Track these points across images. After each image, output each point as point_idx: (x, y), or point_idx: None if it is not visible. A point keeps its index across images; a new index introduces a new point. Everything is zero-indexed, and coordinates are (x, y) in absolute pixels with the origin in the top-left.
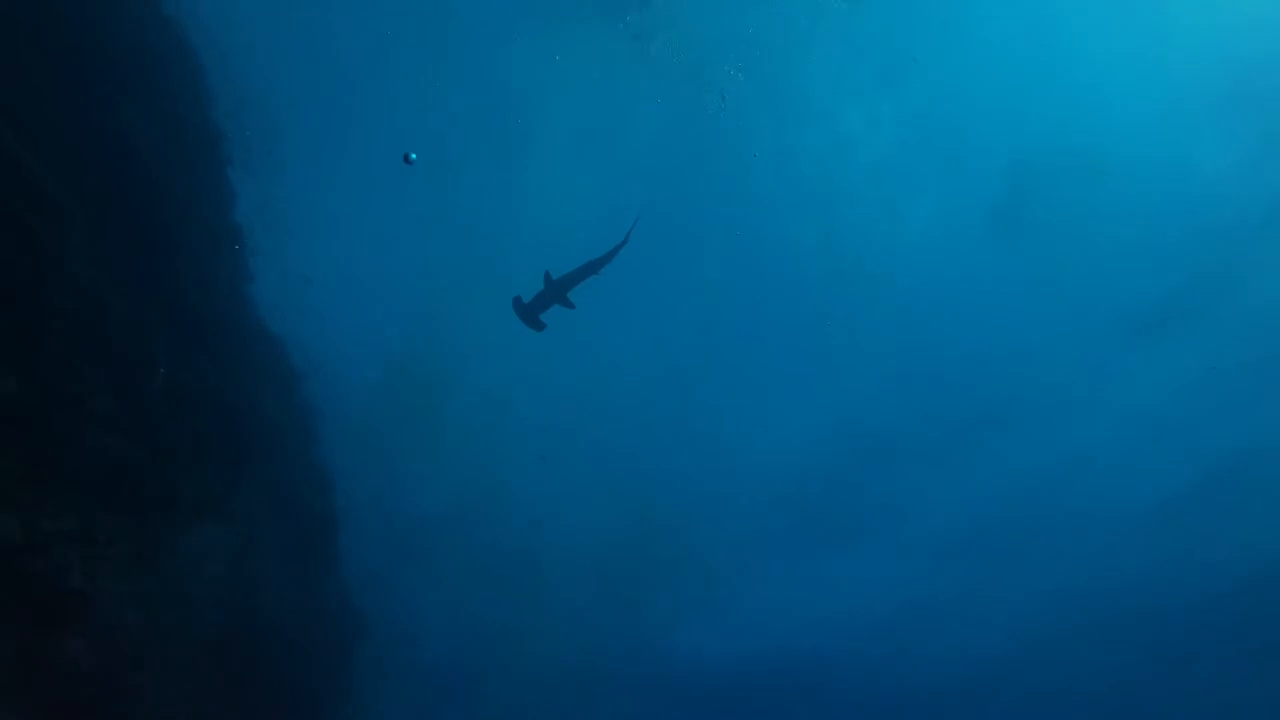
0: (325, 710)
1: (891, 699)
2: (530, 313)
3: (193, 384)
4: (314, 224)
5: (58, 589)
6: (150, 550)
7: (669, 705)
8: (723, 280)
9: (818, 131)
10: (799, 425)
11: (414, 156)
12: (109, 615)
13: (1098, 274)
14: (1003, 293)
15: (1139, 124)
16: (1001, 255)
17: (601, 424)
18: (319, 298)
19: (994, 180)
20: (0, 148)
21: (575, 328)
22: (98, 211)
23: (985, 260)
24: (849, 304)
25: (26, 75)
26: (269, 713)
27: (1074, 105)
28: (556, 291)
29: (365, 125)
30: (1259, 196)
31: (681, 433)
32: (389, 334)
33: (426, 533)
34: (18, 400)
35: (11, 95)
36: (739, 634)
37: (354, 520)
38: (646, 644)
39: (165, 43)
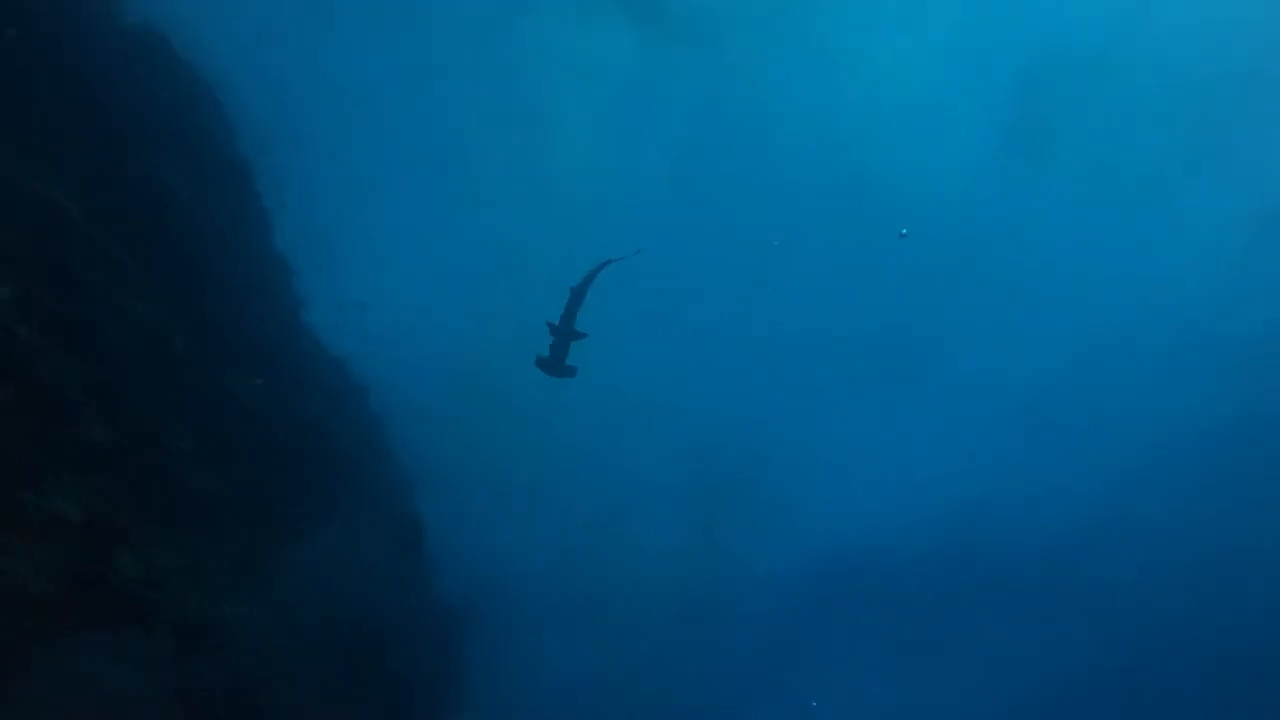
0: (447, 706)
1: (980, 580)
2: (555, 365)
3: (264, 409)
4: (349, 237)
5: (182, 619)
6: (258, 572)
7: (757, 622)
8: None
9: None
10: (851, 323)
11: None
12: (230, 638)
13: (1117, 142)
14: (1035, 193)
15: None
16: (1031, 152)
17: (666, 371)
18: (373, 311)
19: (1010, 91)
20: (61, 214)
21: (626, 293)
22: (149, 259)
23: (1015, 156)
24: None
25: (71, 140)
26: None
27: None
28: (565, 333)
29: (389, 140)
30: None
31: (740, 361)
32: (443, 334)
33: (512, 512)
34: (113, 448)
35: (64, 163)
36: (817, 539)
37: (439, 515)
38: (731, 568)
39: (182, 84)
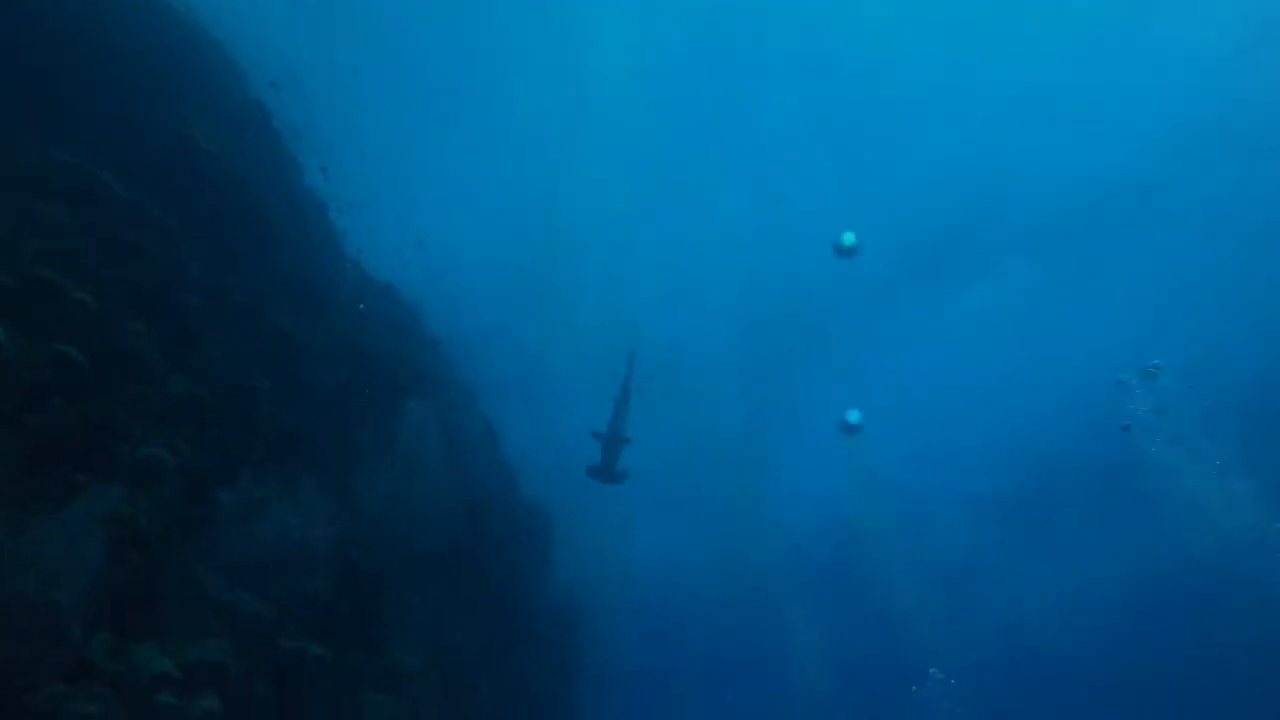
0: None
1: None
2: (607, 473)
3: (329, 343)
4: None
5: (284, 543)
6: (349, 494)
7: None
8: None
9: None
10: None
11: None
12: (334, 559)
13: None
14: None
15: None
16: None
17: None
18: (430, 246)
19: None
20: (96, 181)
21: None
22: (189, 215)
23: None
24: None
25: (83, 106)
26: (500, 610)
27: None
28: (613, 440)
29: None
30: None
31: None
32: (493, 238)
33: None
34: (194, 398)
35: (82, 130)
36: None
37: (509, 421)
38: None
39: (179, 31)
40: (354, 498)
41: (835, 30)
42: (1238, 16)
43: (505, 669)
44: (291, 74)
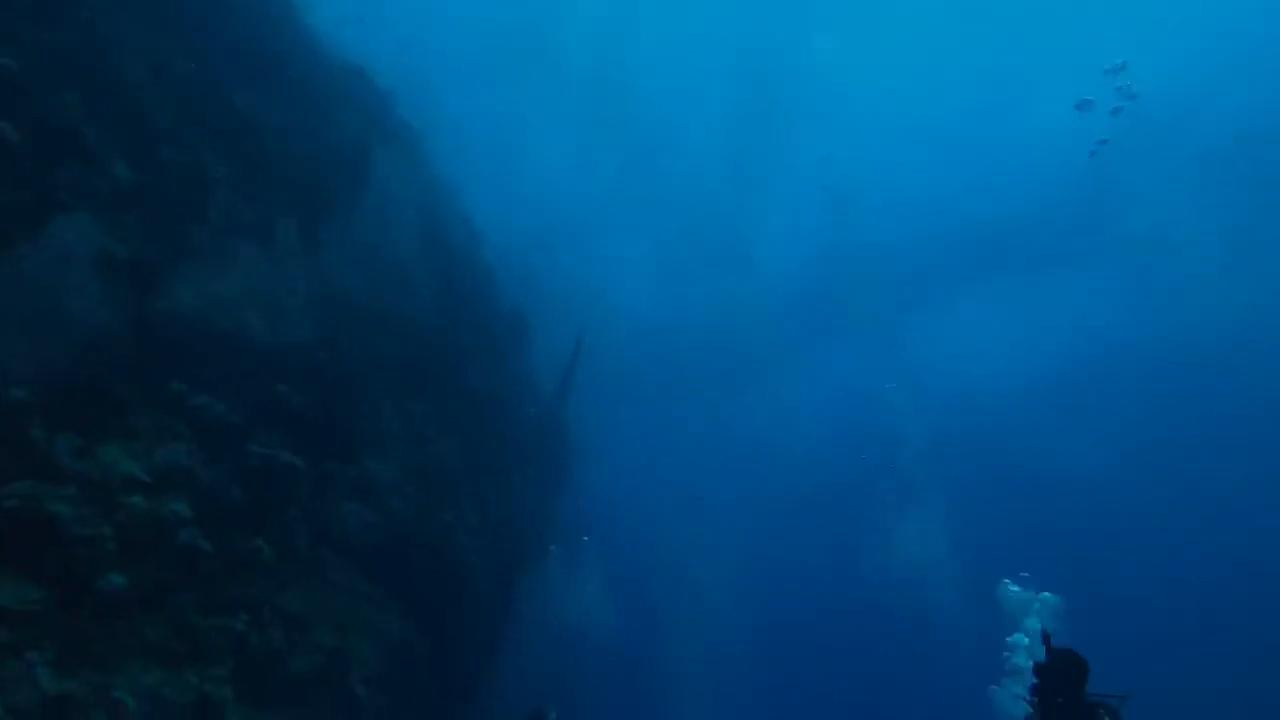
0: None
1: None
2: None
3: (285, 122)
4: None
5: (246, 340)
6: (317, 287)
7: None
8: None
9: None
10: None
11: None
12: (303, 363)
13: None
14: None
15: None
16: None
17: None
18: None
19: None
20: None
21: None
22: None
23: None
24: None
25: None
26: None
27: None
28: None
29: None
30: None
31: None
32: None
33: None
34: (140, 183)
35: None
36: None
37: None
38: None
39: None
40: (323, 287)
41: None
42: None
43: (488, 484)
44: None
